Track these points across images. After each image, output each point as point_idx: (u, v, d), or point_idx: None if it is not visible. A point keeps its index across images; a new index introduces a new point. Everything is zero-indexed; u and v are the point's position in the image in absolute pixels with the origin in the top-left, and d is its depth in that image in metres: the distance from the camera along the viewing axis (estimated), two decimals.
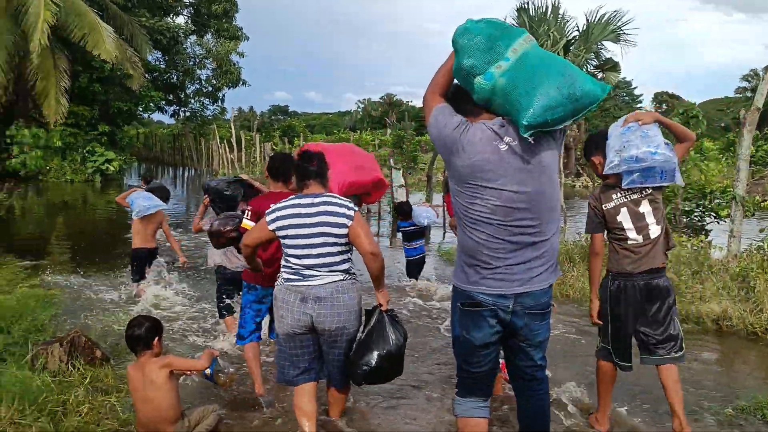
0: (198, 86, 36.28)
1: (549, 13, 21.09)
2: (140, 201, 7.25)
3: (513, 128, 2.73)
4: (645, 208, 3.74)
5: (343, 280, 3.63)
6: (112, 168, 23.34)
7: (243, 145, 31.01)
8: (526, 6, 21.08)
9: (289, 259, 3.63)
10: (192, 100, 36.69)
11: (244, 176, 5.72)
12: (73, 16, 22.76)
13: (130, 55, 25.27)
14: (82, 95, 24.85)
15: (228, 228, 4.57)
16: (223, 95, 36.97)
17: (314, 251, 3.57)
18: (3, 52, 22.18)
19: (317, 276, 3.58)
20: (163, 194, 7.66)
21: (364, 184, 4.76)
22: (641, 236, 3.73)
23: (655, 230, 3.74)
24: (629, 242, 3.75)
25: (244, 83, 36.03)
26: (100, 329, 5.95)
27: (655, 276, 3.75)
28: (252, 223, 4.21)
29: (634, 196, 3.74)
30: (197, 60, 35.05)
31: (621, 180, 3.71)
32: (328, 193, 3.68)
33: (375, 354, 3.65)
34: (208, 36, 35.49)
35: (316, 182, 3.69)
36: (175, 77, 34.60)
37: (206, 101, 37.02)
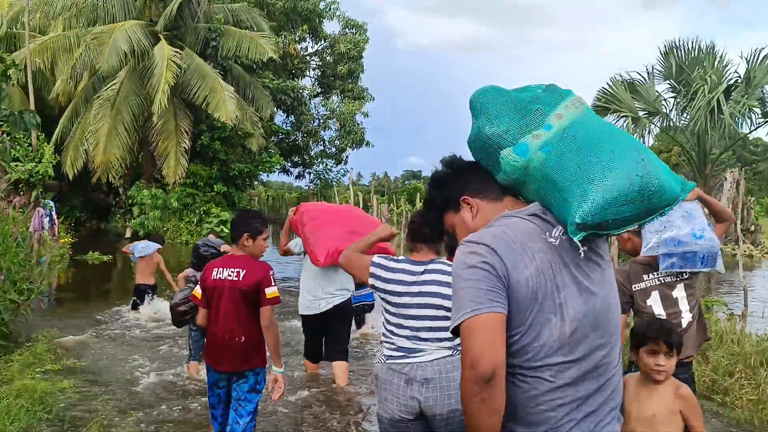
0: (322, 147, 35.97)
1: (703, 54, 18.37)
2: (139, 246, 9.70)
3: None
4: (679, 293, 3.52)
5: (452, 355, 3.21)
6: (226, 230, 22.75)
7: (361, 207, 29.97)
8: (674, 48, 18.49)
9: (391, 330, 3.30)
10: (316, 162, 36.39)
11: (224, 247, 6.26)
12: (196, 77, 22.85)
13: (250, 115, 25.08)
14: (203, 154, 24.79)
15: (176, 301, 4.33)
16: (347, 156, 36.43)
17: (419, 323, 3.23)
18: (129, 114, 22.57)
19: (422, 351, 3.21)
20: (157, 240, 10.07)
21: None
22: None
23: (686, 318, 3.51)
24: None
25: (368, 144, 35.28)
26: None
27: (680, 369, 3.24)
28: (200, 290, 4.10)
29: (668, 279, 3.53)
30: (321, 121, 34.80)
31: (656, 261, 3.47)
32: (442, 259, 3.38)
33: None
34: (334, 97, 35.31)
35: (427, 247, 3.37)
36: (300, 139, 34.46)
37: (330, 162, 36.63)
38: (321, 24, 33.46)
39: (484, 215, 1.96)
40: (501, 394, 1.67)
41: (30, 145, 17.29)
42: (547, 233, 1.87)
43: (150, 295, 9.58)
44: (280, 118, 33.09)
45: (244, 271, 3.96)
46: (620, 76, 19.86)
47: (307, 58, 35.15)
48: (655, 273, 3.53)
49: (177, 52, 22.29)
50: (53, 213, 18.58)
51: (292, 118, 33.67)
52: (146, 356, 7.27)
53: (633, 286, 3.57)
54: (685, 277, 3.51)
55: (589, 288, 1.86)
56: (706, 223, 3.43)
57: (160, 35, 23.03)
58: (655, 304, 3.51)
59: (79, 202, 34.68)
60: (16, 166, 16.22)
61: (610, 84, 20.20)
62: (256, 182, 31.13)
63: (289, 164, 35.43)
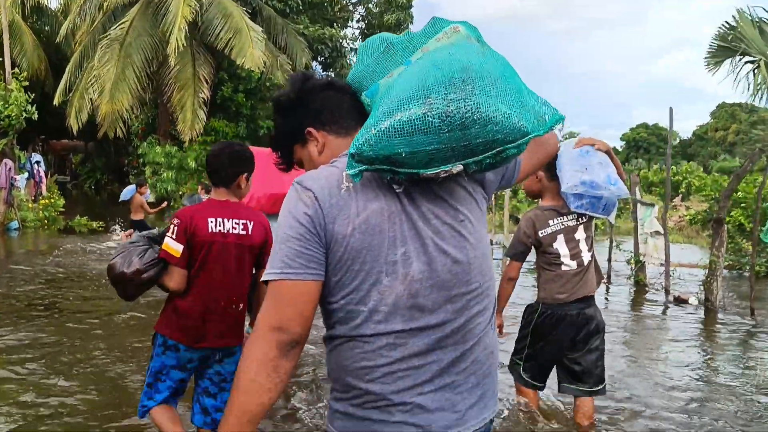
0: None
1: None
2: (124, 191, 11.94)
3: None
4: (580, 234, 3.69)
5: None
6: None
7: None
8: None
9: None
10: None
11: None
12: (219, 17, 19.54)
13: (281, 63, 21.72)
14: (226, 108, 21.52)
15: (137, 267, 2.91)
16: None
17: None
18: (140, 57, 19.39)
19: None
20: (138, 183, 12.01)
21: None
22: (575, 263, 3.68)
23: (586, 257, 3.70)
24: (563, 268, 3.68)
25: None
26: None
27: (587, 305, 3.71)
28: (179, 246, 2.95)
29: (571, 223, 3.70)
30: None
31: (563, 203, 3.66)
32: None
33: None
34: None
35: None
36: None
37: None
38: None
39: (331, 150, 1.66)
40: (290, 370, 1.49)
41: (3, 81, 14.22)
42: (390, 177, 1.54)
43: (137, 227, 11.25)
44: (317, 74, 29.74)
45: (252, 223, 3.15)
46: (747, 10, 15.66)
47: (351, 7, 31.53)
48: (560, 217, 3.67)
49: None
50: (40, 168, 15.62)
51: (331, 73, 30.25)
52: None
53: (540, 233, 3.68)
54: (584, 220, 3.68)
55: (438, 246, 1.57)
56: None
57: None
58: (560, 246, 3.65)
59: (102, 163, 32.20)
60: None
61: (736, 19, 15.81)
62: None
63: None
